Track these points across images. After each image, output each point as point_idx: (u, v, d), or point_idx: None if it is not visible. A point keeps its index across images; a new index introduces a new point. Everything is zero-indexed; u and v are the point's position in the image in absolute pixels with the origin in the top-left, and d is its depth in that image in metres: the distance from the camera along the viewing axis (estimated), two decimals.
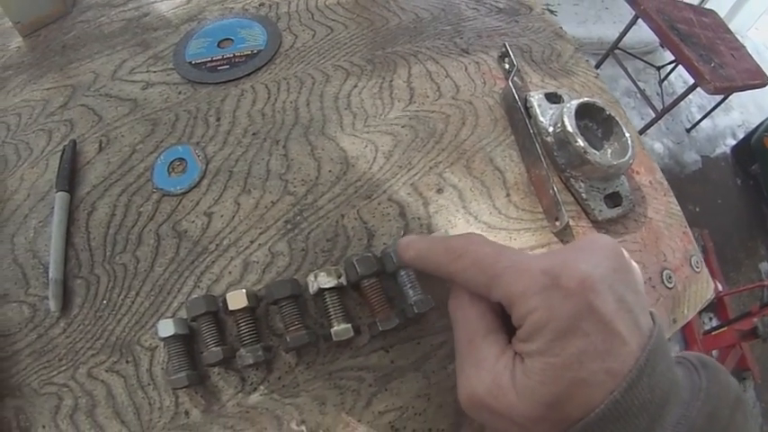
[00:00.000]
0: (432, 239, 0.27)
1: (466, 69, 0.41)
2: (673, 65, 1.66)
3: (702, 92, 1.42)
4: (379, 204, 0.32)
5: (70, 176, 0.37)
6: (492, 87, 0.41)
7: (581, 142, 0.35)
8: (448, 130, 0.36)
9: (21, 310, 0.33)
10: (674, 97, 1.53)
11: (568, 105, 0.37)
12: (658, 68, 1.71)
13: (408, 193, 0.33)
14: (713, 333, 1.25)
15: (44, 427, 0.30)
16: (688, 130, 1.77)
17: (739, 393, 0.21)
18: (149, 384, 0.30)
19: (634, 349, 0.20)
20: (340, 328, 0.28)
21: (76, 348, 0.32)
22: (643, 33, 1.64)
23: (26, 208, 0.36)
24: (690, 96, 1.48)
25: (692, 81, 1.40)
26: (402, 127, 0.36)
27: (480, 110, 0.38)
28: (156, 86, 0.40)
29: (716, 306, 1.35)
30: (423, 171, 0.34)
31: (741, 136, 2.20)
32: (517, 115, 0.38)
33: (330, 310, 0.28)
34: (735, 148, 2.14)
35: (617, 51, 1.60)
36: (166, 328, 0.29)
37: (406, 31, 0.44)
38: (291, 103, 0.37)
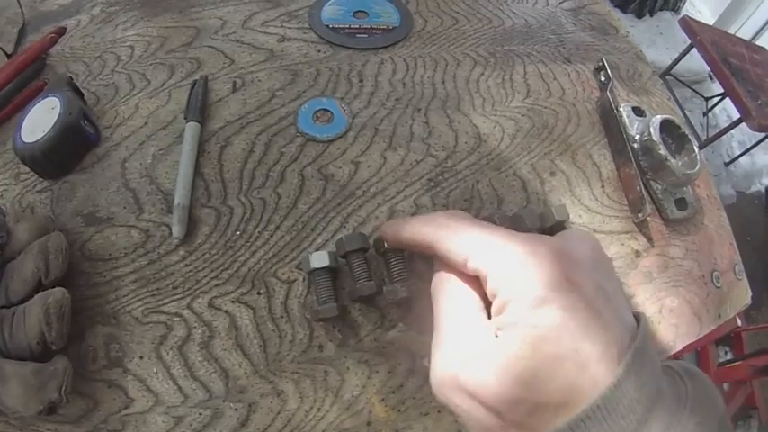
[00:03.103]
0: (415, 217, 0.29)
1: (569, 76, 0.51)
2: (720, 97, 1.77)
3: (744, 128, 1.53)
4: (506, 177, 0.41)
5: (201, 109, 0.39)
6: (589, 95, 0.50)
7: (663, 151, 0.45)
8: (557, 125, 0.46)
9: (128, 235, 0.34)
10: (717, 130, 1.64)
11: (654, 119, 0.47)
12: (706, 99, 1.82)
13: (529, 172, 0.42)
14: (727, 366, 1.33)
15: (142, 357, 0.30)
16: (726, 164, 1.88)
17: (724, 413, 0.21)
18: (282, 317, 0.31)
19: (617, 338, 0.19)
20: None
21: (198, 277, 0.32)
22: (693, 63, 1.74)
23: (143, 135, 0.38)
24: (732, 131, 1.59)
25: (736, 116, 1.51)
26: (522, 116, 0.45)
27: (581, 112, 0.48)
28: (293, 41, 0.47)
29: (733, 340, 1.45)
30: (539, 155, 0.43)
31: None
32: (613, 122, 0.47)
33: None
34: None
35: (668, 77, 1.70)
36: (321, 259, 0.31)
37: (519, 34, 0.53)
38: (429, 78, 0.46)
